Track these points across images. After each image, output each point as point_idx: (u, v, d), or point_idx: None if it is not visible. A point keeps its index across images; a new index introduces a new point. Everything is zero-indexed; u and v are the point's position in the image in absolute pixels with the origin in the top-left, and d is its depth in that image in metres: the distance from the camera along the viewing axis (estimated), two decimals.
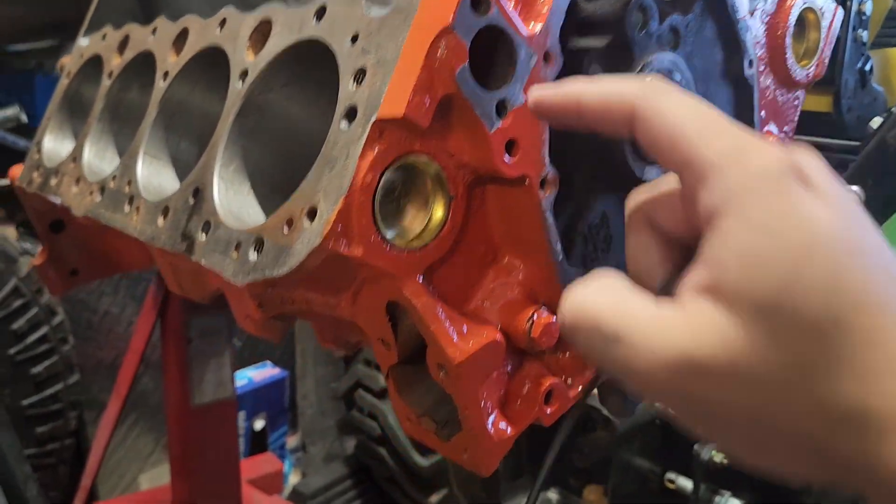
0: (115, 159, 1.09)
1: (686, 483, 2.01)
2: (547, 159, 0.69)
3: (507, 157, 0.66)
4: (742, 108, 0.91)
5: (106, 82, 1.13)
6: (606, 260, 0.81)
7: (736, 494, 1.89)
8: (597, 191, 0.78)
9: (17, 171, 1.32)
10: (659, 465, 2.05)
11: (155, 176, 0.94)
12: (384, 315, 0.70)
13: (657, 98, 0.45)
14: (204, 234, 0.76)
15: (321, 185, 0.64)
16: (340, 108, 0.66)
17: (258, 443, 2.78)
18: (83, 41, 1.29)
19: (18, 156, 2.69)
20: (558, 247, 0.72)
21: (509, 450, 0.72)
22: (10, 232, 2.50)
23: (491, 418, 0.70)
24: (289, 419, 3.09)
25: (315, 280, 0.69)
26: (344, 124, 0.65)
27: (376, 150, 0.62)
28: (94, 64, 1.21)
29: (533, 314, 0.71)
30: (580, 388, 0.78)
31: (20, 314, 2.12)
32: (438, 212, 0.69)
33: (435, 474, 2.43)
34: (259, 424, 2.82)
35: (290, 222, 0.66)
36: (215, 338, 1.86)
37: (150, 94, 1.07)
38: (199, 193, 0.80)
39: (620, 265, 0.84)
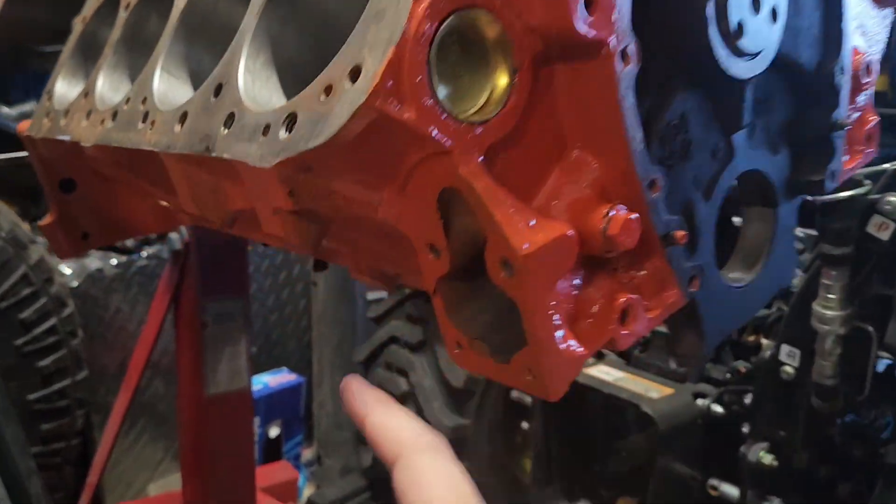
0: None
1: (731, 489, 1.87)
2: (628, 27, 0.59)
3: (583, 16, 0.56)
4: (830, 19, 0.81)
5: (123, 14, 1.04)
6: (684, 170, 0.70)
7: (785, 500, 1.75)
8: (676, 84, 0.68)
9: (25, 124, 1.23)
10: (701, 470, 1.91)
11: (172, 92, 0.85)
12: (435, 210, 0.60)
13: (405, 466, 0.57)
14: (226, 128, 0.66)
15: (367, 40, 0.55)
16: None
17: (272, 451, 2.66)
18: None
19: None
20: (639, 134, 0.62)
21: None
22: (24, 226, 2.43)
23: (560, 332, 0.60)
24: (304, 430, 2.97)
25: (355, 164, 0.59)
26: None
27: None
28: (111, 3, 1.13)
29: (609, 211, 0.61)
30: (658, 311, 0.67)
31: (29, 303, 2.03)
32: (501, 82, 0.59)
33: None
34: (274, 432, 2.70)
35: (328, 89, 0.56)
36: (231, 323, 1.76)
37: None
38: (222, 89, 0.70)
39: (699, 178, 0.74)
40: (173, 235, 1.73)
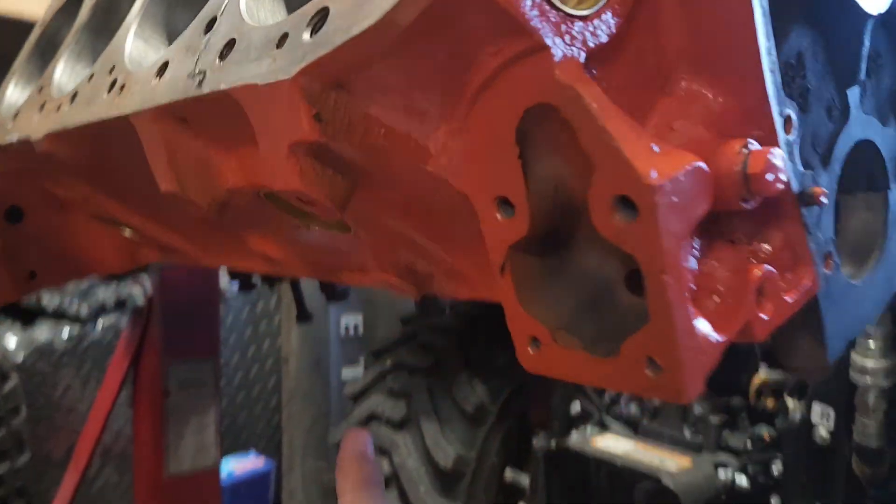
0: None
1: None
2: None
3: None
4: None
5: (88, 3, 0.90)
6: (803, 122, 0.56)
7: None
8: (794, 12, 0.54)
9: None
10: None
11: (146, 56, 0.69)
12: (513, 143, 0.44)
13: None
14: (221, 60, 0.50)
15: None
16: None
17: None
18: None
19: None
20: (773, 53, 0.47)
21: None
22: None
23: (690, 309, 0.43)
24: None
25: (404, 73, 0.43)
26: None
27: None
28: (72, 3, 0.99)
29: (747, 145, 0.45)
30: (794, 295, 0.51)
31: None
32: None
33: None
34: None
35: None
36: (198, 390, 1.55)
37: None
38: (216, 21, 0.55)
39: (816, 138, 0.60)
40: (135, 291, 1.53)
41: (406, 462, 2.18)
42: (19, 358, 2.09)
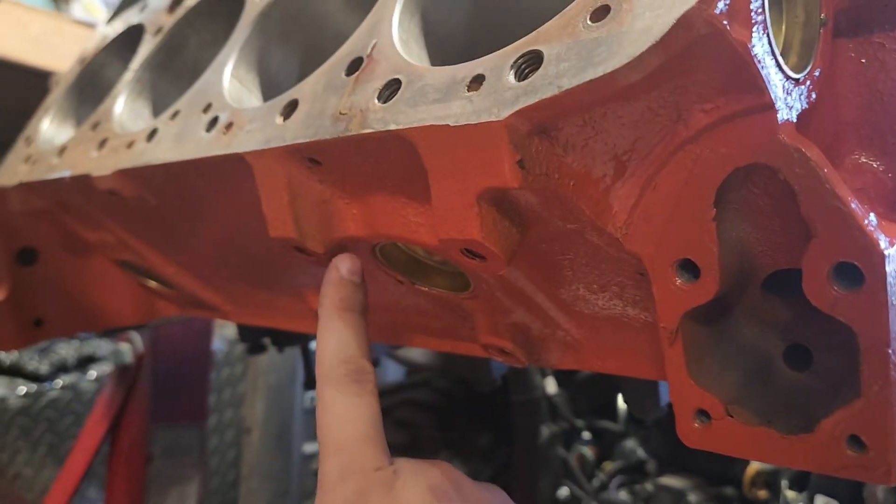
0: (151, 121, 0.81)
1: None
2: None
3: None
4: None
5: (151, 40, 0.86)
6: None
7: None
8: None
9: None
10: None
11: (246, 99, 0.66)
12: (711, 203, 0.42)
13: (318, 396, 0.57)
14: (381, 100, 0.48)
15: None
16: None
17: None
18: (105, 29, 1.04)
19: None
20: None
21: None
22: None
23: None
24: None
25: (611, 128, 0.41)
26: None
27: None
28: (129, 38, 0.95)
29: None
30: None
31: None
32: (796, 35, 0.44)
33: None
34: None
35: (601, 10, 0.39)
36: (183, 458, 1.45)
37: (211, 51, 0.81)
38: (362, 63, 0.52)
39: None
40: (123, 347, 1.45)
41: None
42: None
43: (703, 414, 0.46)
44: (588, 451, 1.96)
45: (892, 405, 0.40)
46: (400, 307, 0.71)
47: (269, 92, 0.69)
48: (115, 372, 1.44)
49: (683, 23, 0.36)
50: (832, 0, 0.45)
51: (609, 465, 1.94)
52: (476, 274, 0.54)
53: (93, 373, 2.24)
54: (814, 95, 0.44)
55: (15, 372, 2.10)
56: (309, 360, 1.47)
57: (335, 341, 0.57)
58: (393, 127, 0.46)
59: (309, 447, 2.87)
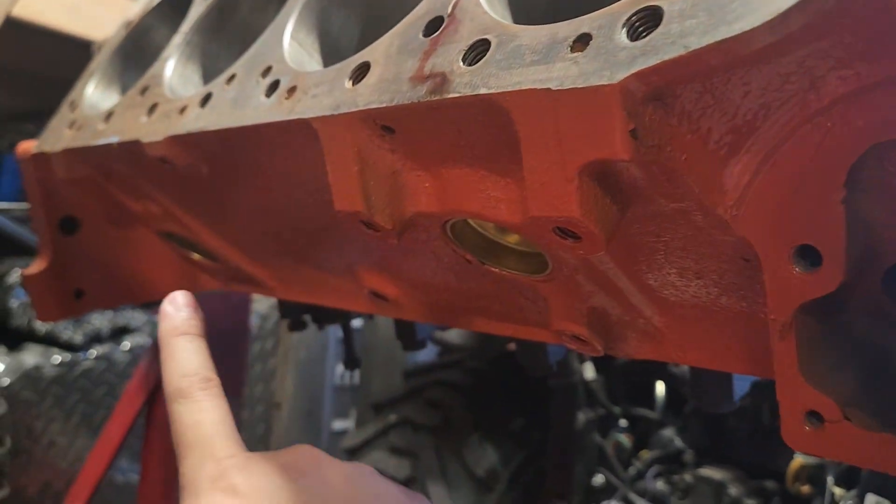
0: (201, 86, 0.77)
1: None
2: None
3: None
4: None
5: (202, 3, 0.83)
6: None
7: None
8: None
9: (29, 144, 0.97)
10: None
11: (304, 65, 0.62)
12: (842, 183, 0.38)
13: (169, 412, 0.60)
14: (467, 63, 0.44)
15: None
16: None
17: None
18: None
19: None
20: None
21: None
22: None
23: None
24: None
25: (733, 97, 0.37)
26: None
27: None
28: (174, 1, 0.92)
29: None
30: None
31: None
32: None
33: None
34: None
35: None
36: None
37: (265, 14, 0.77)
38: (442, 22, 0.48)
39: None
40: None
41: None
42: (5, 383, 1.95)
43: (814, 416, 0.42)
44: (625, 439, 1.92)
45: None
46: (461, 289, 0.67)
47: (330, 57, 0.65)
48: (153, 345, 1.42)
49: None
50: None
51: (646, 454, 1.90)
52: (559, 255, 0.50)
53: (126, 343, 2.24)
54: None
55: (50, 341, 2.11)
56: (350, 337, 1.44)
57: (174, 363, 0.62)
58: (483, 91, 0.41)
59: (338, 423, 2.86)
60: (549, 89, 0.38)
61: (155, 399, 1.40)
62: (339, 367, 2.74)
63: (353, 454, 2.33)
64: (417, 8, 0.52)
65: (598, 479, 1.90)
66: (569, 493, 1.95)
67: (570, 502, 1.91)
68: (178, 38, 0.81)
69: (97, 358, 2.14)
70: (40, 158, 0.91)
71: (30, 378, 2.00)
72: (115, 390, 2.15)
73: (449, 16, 0.48)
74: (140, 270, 1.03)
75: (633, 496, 1.82)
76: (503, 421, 2.11)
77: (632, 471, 1.89)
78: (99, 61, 0.97)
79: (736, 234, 0.42)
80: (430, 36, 0.48)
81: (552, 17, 0.49)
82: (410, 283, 0.71)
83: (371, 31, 0.67)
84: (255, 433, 2.70)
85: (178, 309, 0.66)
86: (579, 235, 0.41)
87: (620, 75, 0.36)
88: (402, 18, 0.53)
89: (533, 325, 0.64)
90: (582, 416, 1.96)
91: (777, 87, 0.37)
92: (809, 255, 0.40)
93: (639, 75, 0.35)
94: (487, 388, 2.19)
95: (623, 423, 1.99)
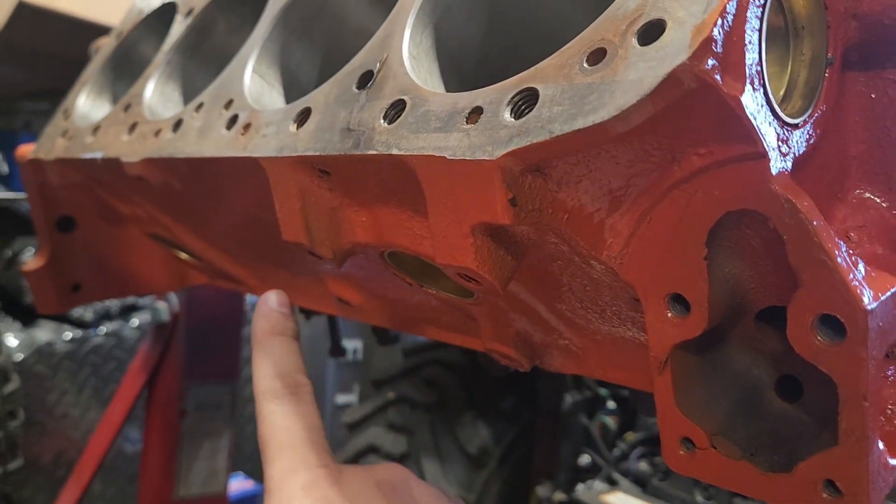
0: (181, 106, 0.83)
1: None
2: None
3: None
4: None
5: (182, 22, 0.88)
6: None
7: None
8: None
9: (27, 148, 1.03)
10: None
11: (266, 97, 0.67)
12: (703, 242, 0.43)
13: (258, 412, 0.59)
14: (387, 121, 0.49)
15: None
16: None
17: None
18: (140, 3, 1.05)
19: None
20: None
21: None
22: None
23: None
24: None
25: (604, 164, 0.42)
26: None
27: None
28: (162, 15, 0.97)
29: None
30: None
31: None
32: (802, 74, 0.44)
33: None
34: None
35: (597, 53, 0.40)
36: (215, 412, 1.51)
37: (238, 35, 0.82)
38: (372, 77, 0.53)
39: None
40: (160, 305, 1.50)
41: None
42: (19, 357, 2.04)
43: (688, 442, 0.48)
44: (610, 421, 1.98)
45: (867, 455, 0.40)
46: (413, 301, 0.73)
47: (290, 87, 0.71)
48: (153, 330, 1.49)
49: (674, 77, 0.36)
50: (841, 36, 0.44)
51: (631, 436, 1.96)
52: None
53: (135, 321, 2.32)
54: (817, 134, 0.43)
55: (61, 318, 2.19)
56: (336, 328, 1.51)
57: (269, 362, 0.60)
58: (395, 152, 0.47)
59: (341, 398, 2.95)
60: (444, 157, 0.43)
61: (155, 381, 1.48)
62: (343, 343, 2.81)
63: (352, 429, 2.41)
64: (354, 59, 0.57)
65: (584, 458, 1.96)
66: (555, 472, 2.02)
67: (556, 480, 1.98)
68: (159, 57, 0.86)
69: (107, 334, 2.23)
70: (36, 164, 0.97)
71: (42, 353, 2.09)
72: (123, 365, 2.24)
73: (378, 71, 0.53)
74: (133, 266, 1.09)
75: (616, 476, 1.88)
76: (495, 400, 2.18)
77: (616, 452, 1.95)
78: (91, 71, 1.02)
79: (623, 280, 0.48)
80: (361, 89, 0.53)
81: (482, 70, 0.54)
82: (370, 293, 0.77)
83: (330, 62, 0.72)
84: None
85: (273, 309, 0.65)
86: (478, 281, 0.47)
87: (499, 152, 0.41)
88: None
89: (475, 336, 0.69)
90: (569, 398, 2.02)
91: (643, 159, 0.42)
92: (681, 303, 0.45)
93: (514, 154, 0.40)
94: (481, 367, 2.25)
95: (610, 405, 2.05)
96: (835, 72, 0.44)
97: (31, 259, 1.07)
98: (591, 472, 1.94)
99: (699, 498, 1.76)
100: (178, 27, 0.88)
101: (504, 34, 0.58)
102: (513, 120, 0.42)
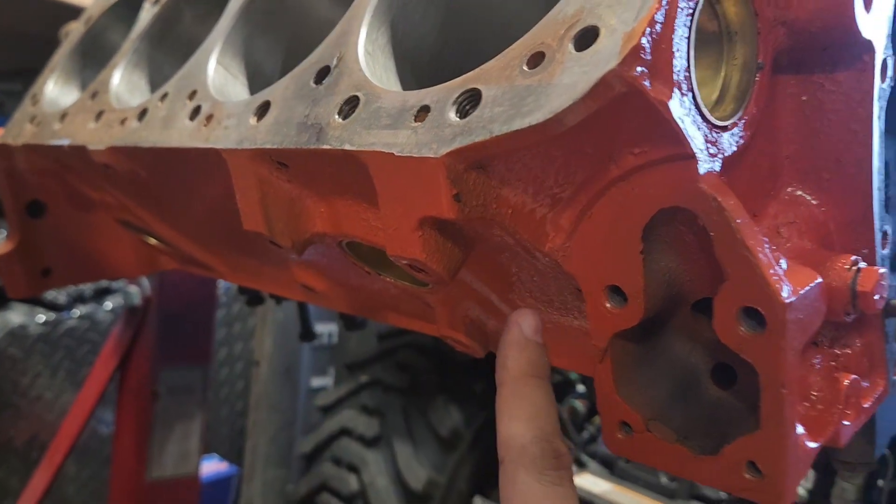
0: (147, 94, 0.84)
1: None
2: (889, 35, 0.48)
3: (861, 12, 0.44)
4: None
5: (149, 10, 0.88)
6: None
7: None
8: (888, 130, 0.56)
9: None
10: None
11: (229, 87, 0.68)
12: (638, 239, 0.45)
13: (505, 473, 0.49)
14: (341, 116, 0.51)
15: None
16: None
17: None
18: None
19: None
20: (881, 171, 0.49)
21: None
22: None
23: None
24: None
25: (544, 162, 0.44)
26: None
27: None
28: (130, 2, 0.97)
29: (856, 263, 0.47)
30: (869, 401, 0.53)
31: None
32: (734, 78, 0.46)
33: None
34: None
35: (536, 56, 0.42)
36: (187, 396, 1.53)
37: (205, 24, 0.83)
38: (329, 73, 0.55)
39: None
40: (132, 289, 1.51)
41: (375, 480, 2.17)
42: None
43: (626, 426, 0.50)
44: (580, 405, 2.02)
45: (785, 438, 0.43)
46: (373, 289, 0.75)
47: (254, 78, 0.72)
48: (124, 313, 1.50)
49: (605, 82, 0.38)
50: (771, 42, 0.46)
51: (599, 420, 1.99)
52: None
53: (108, 304, 2.32)
54: (747, 135, 0.46)
55: (34, 301, 2.19)
56: (306, 312, 1.52)
57: (526, 415, 0.50)
58: (347, 147, 0.48)
59: (317, 381, 2.97)
60: (392, 154, 0.45)
61: (127, 365, 1.49)
62: (318, 328, 2.83)
63: (326, 412, 2.44)
64: (312, 54, 0.58)
65: None
66: None
67: None
68: (127, 45, 0.87)
69: (80, 317, 2.23)
70: (4, 149, 0.97)
71: (15, 336, 2.09)
72: (97, 348, 2.24)
73: (335, 67, 0.55)
74: (103, 250, 1.10)
75: (585, 458, 1.92)
76: (467, 383, 2.21)
77: (585, 434, 1.99)
78: (59, 56, 1.02)
79: (565, 271, 0.50)
80: (318, 84, 0.55)
81: (437, 66, 0.56)
82: (333, 280, 0.79)
83: (292, 55, 0.73)
84: (235, 389, 2.81)
85: (529, 339, 0.52)
86: (427, 272, 0.49)
87: (443, 150, 0.43)
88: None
89: (434, 323, 0.72)
90: None
91: (580, 158, 0.44)
92: (619, 294, 0.48)
93: (457, 152, 0.42)
94: (454, 351, 2.28)
95: (580, 388, 2.08)
96: (765, 76, 0.46)
97: (0, 243, 1.08)
98: None
99: (663, 479, 1.80)
100: (146, 15, 0.88)
101: (458, 30, 0.60)
102: (457, 119, 0.44)
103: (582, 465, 1.93)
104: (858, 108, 0.47)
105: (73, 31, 1.04)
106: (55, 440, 1.56)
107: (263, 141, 0.56)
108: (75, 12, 2.38)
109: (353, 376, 2.45)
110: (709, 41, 0.45)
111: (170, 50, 0.86)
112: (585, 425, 2.00)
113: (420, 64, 0.59)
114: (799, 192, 0.51)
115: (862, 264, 0.47)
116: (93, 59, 1.00)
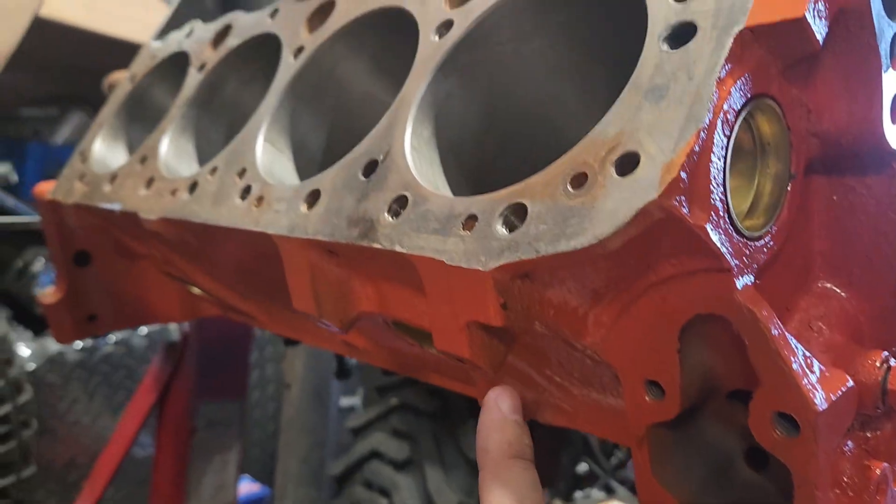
0: (194, 163, 0.87)
1: None
2: None
3: (889, 121, 0.46)
4: None
5: (195, 76, 0.92)
6: None
7: None
8: None
9: (45, 186, 1.08)
10: None
11: (277, 166, 0.72)
12: (675, 339, 0.47)
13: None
14: (391, 215, 0.53)
15: (639, 121, 0.43)
16: (656, 27, 0.46)
17: None
18: (154, 44, 1.10)
19: (3, 213, 2.41)
20: None
21: None
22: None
23: None
24: None
25: (588, 272, 0.47)
26: (665, 45, 0.45)
27: (738, 73, 0.42)
28: (174, 63, 1.01)
29: (887, 360, 0.49)
30: None
31: None
32: (767, 187, 0.48)
33: None
34: None
35: (580, 177, 0.44)
36: (225, 429, 1.57)
37: (249, 89, 0.87)
38: (377, 166, 0.58)
39: None
40: (171, 325, 1.55)
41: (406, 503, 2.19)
42: (31, 367, 2.09)
43: None
44: None
45: None
46: (415, 352, 0.77)
47: (299, 152, 0.75)
48: (163, 348, 1.54)
49: (646, 211, 0.41)
50: (803, 152, 0.48)
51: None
52: None
53: (143, 329, 2.37)
54: (780, 241, 0.48)
55: None
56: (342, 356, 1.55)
57: (510, 501, 0.50)
58: (398, 248, 0.51)
59: (345, 400, 3.00)
60: (443, 262, 0.48)
61: (165, 400, 1.53)
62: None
63: (356, 433, 2.47)
64: (360, 145, 0.61)
65: (582, 467, 2.01)
66: (555, 481, 2.07)
67: (555, 489, 2.03)
68: (173, 111, 0.91)
69: (116, 343, 2.28)
70: (55, 205, 1.02)
71: (54, 363, 2.14)
72: (133, 373, 2.30)
73: (382, 162, 0.58)
74: (147, 298, 1.14)
75: (613, 484, 1.93)
76: None
77: (614, 460, 2.00)
78: (106, 113, 1.07)
79: (604, 361, 0.52)
80: (366, 177, 0.58)
81: (479, 152, 0.58)
82: (374, 342, 0.82)
83: (337, 128, 0.76)
84: (267, 411, 2.85)
85: (507, 418, 0.53)
86: (473, 364, 0.51)
87: (492, 264, 0.45)
88: (361, 127, 0.62)
89: (475, 387, 0.74)
90: None
91: (621, 266, 0.46)
92: (656, 387, 0.50)
93: (504, 267, 0.45)
94: None
95: None
96: (797, 183, 0.49)
97: (48, 291, 1.12)
98: (588, 481, 1.99)
99: None
100: (192, 80, 0.92)
101: (499, 118, 0.63)
102: (505, 233, 0.46)
103: (611, 492, 1.94)
104: (888, 210, 0.49)
105: (119, 86, 1.09)
106: (94, 470, 1.61)
107: (315, 231, 0.59)
108: (108, 43, 2.45)
109: (383, 399, 2.48)
110: (743, 152, 0.48)
111: (215, 115, 0.89)
112: (614, 451, 2.02)
113: (463, 152, 0.61)
114: (830, 286, 0.53)
115: (892, 361, 0.49)
116: (138, 116, 1.04)
